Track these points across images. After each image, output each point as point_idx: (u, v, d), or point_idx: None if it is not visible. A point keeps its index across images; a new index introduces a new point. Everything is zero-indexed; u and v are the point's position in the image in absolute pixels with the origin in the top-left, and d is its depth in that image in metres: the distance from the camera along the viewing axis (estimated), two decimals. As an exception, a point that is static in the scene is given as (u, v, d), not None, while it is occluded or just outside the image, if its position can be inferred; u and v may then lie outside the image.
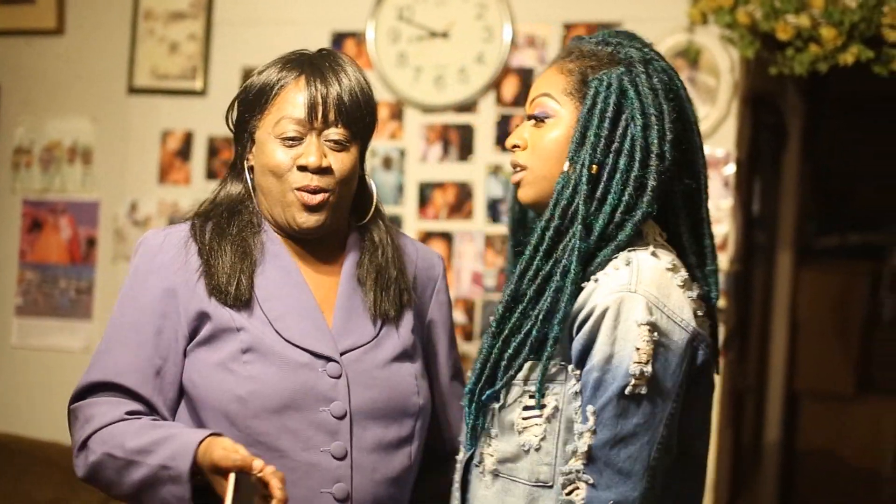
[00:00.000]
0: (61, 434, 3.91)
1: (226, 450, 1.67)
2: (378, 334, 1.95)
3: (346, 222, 2.02)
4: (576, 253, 1.72)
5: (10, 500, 3.72)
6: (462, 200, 3.68)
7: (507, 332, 1.77)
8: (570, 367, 1.74)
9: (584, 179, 1.75)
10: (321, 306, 1.93)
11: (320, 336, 1.90)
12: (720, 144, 3.46)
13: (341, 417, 1.86)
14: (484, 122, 3.67)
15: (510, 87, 3.65)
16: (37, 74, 4.14)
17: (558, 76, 1.87)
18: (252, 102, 1.95)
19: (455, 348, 2.15)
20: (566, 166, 1.79)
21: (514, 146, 1.88)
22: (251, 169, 1.97)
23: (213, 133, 3.91)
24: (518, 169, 1.88)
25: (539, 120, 1.86)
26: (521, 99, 3.63)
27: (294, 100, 1.90)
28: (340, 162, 1.92)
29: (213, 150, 3.91)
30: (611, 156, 1.77)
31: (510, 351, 1.77)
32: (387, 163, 3.75)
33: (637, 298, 1.68)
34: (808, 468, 5.48)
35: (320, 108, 1.90)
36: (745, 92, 3.54)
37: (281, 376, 1.85)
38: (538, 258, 1.76)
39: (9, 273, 4.12)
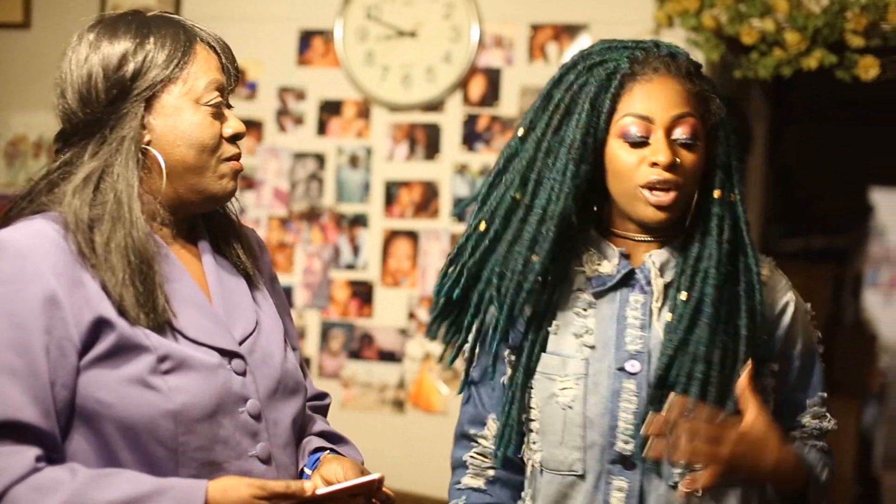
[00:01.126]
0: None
1: (261, 483, 1.57)
2: (257, 317, 1.80)
3: None
4: (754, 271, 1.89)
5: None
6: (428, 199, 3.69)
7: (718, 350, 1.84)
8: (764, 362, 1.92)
9: (742, 206, 1.91)
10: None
11: (218, 330, 1.71)
12: (685, 146, 3.48)
13: (258, 416, 1.71)
14: (451, 121, 3.68)
15: (477, 87, 3.66)
16: (2, 69, 4.12)
17: (693, 99, 1.86)
18: (153, 73, 1.69)
19: (292, 321, 1.99)
20: (717, 193, 1.88)
21: (670, 166, 1.81)
22: (143, 151, 1.69)
23: (179, 129, 3.90)
24: (669, 188, 1.82)
25: (690, 143, 1.84)
26: (487, 98, 3.64)
27: (211, 64, 1.73)
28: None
29: (179, 146, 3.90)
30: (742, 185, 1.94)
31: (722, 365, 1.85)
32: (353, 161, 3.76)
33: (795, 292, 1.98)
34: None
35: (233, 75, 1.78)
36: (710, 95, 3.56)
37: (203, 381, 1.65)
38: (721, 280, 1.86)
39: (-28, 268, 4.09)
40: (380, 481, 1.67)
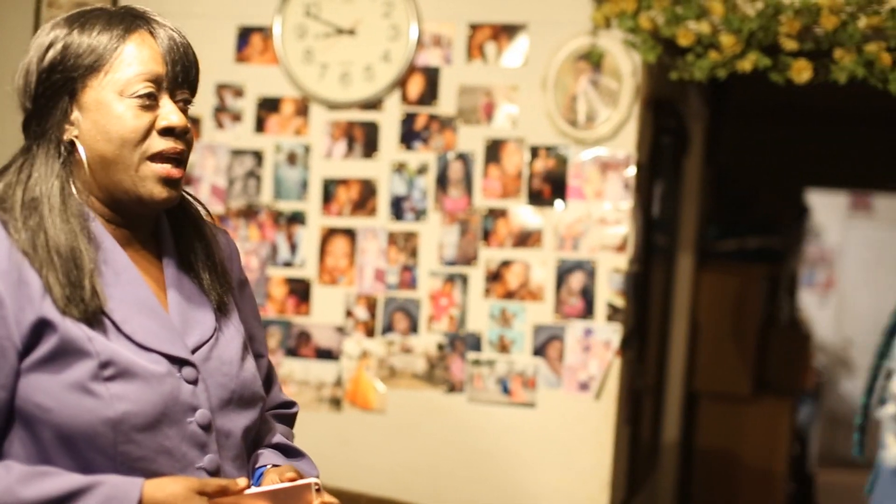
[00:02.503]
0: None
1: (189, 481, 1.55)
2: (217, 325, 1.75)
3: None
4: None
5: None
6: (366, 197, 3.68)
7: None
8: None
9: None
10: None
11: (170, 336, 1.66)
12: (621, 147, 3.51)
13: (207, 427, 1.66)
14: (389, 119, 3.68)
15: (416, 86, 3.66)
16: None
17: None
18: (74, 64, 1.64)
19: (262, 328, 1.97)
20: None
21: None
22: (70, 144, 1.65)
23: (115, 125, 3.87)
24: None
25: None
26: (426, 98, 3.65)
27: (143, 55, 1.65)
28: (191, 126, 1.72)
29: (115, 142, 3.86)
30: None
31: None
32: (291, 158, 3.75)
33: None
34: (705, 467, 5.58)
35: (178, 66, 1.68)
36: (647, 96, 3.60)
37: (148, 389, 1.59)
38: None
39: None
40: (316, 485, 1.63)
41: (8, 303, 1.56)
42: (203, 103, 3.80)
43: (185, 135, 1.68)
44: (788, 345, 6.28)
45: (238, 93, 3.79)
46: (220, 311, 1.76)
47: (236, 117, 3.78)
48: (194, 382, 1.66)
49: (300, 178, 3.74)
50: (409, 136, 3.66)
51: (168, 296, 1.71)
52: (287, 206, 3.74)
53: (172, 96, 1.68)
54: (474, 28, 3.63)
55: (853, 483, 6.16)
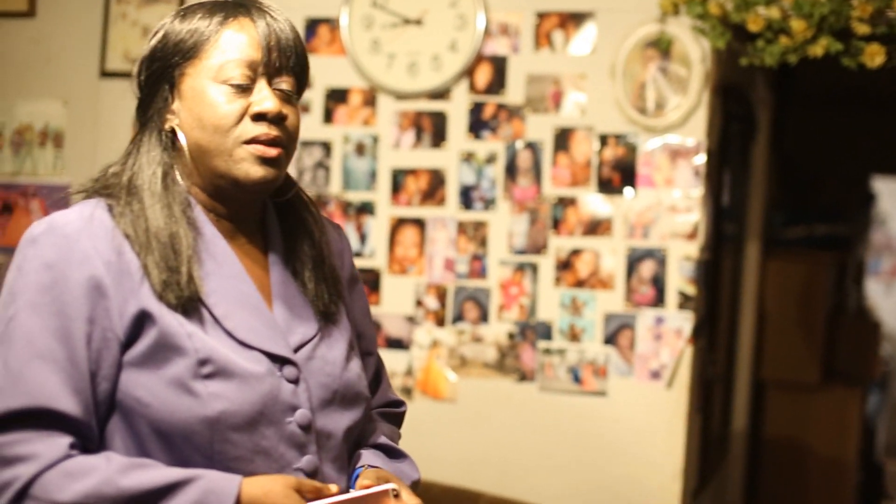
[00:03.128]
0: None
1: (287, 479, 1.54)
2: (321, 326, 1.72)
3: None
4: None
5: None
6: (434, 187, 3.69)
7: None
8: None
9: None
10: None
11: (272, 334, 1.64)
12: (691, 134, 3.49)
13: (307, 427, 1.64)
14: (457, 109, 3.68)
15: (483, 75, 3.66)
16: (7, 57, 4.12)
17: None
18: (172, 51, 1.65)
19: (372, 325, 1.95)
20: None
21: None
22: (172, 131, 1.66)
23: (185, 118, 3.91)
24: None
25: None
26: (493, 87, 3.64)
27: (240, 41, 1.64)
28: (293, 114, 1.68)
29: (185, 135, 3.90)
30: None
31: None
32: (360, 149, 3.76)
33: None
34: (773, 456, 5.54)
35: (275, 50, 1.65)
36: (716, 82, 3.57)
37: (246, 389, 1.58)
38: None
39: (-22, 257, 4.11)
40: (394, 492, 1.60)
41: (112, 294, 1.56)
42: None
43: (281, 121, 1.64)
44: (856, 333, 6.21)
45: (306, 84, 3.80)
46: (325, 315, 1.74)
47: (305, 109, 3.80)
48: (295, 382, 1.64)
49: (369, 169, 3.76)
50: (478, 125, 3.66)
51: (272, 292, 1.69)
52: (356, 196, 3.76)
53: (270, 83, 1.65)
54: (541, 16, 3.62)
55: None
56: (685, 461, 3.50)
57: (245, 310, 1.63)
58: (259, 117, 1.62)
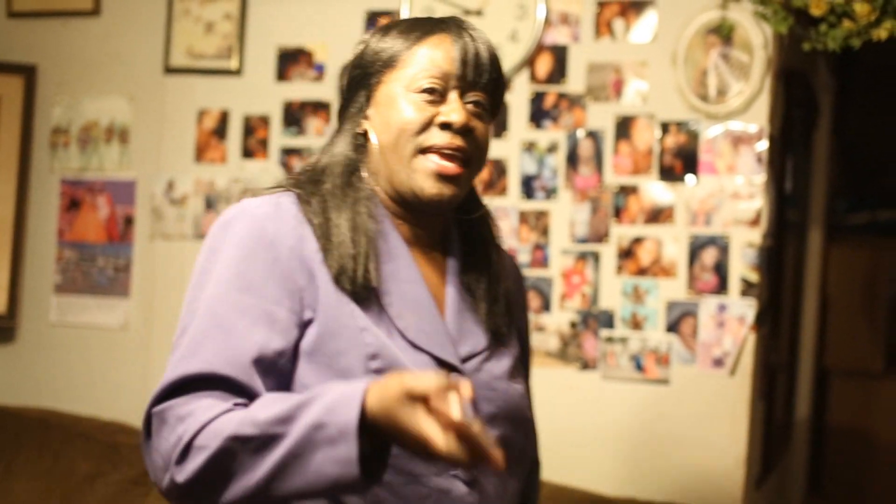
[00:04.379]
0: (99, 408, 3.99)
1: (402, 384, 1.39)
2: (491, 343, 1.74)
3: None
4: None
5: (50, 474, 3.78)
6: (496, 177, 3.70)
7: None
8: None
9: None
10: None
11: (442, 341, 1.66)
12: (753, 120, 3.47)
13: None
14: (518, 98, 3.69)
15: (544, 65, 3.67)
16: (73, 55, 4.19)
17: None
18: (371, 60, 1.74)
19: (529, 356, 1.97)
20: None
21: None
22: (364, 135, 1.75)
23: (248, 112, 3.95)
24: None
25: None
26: (554, 76, 3.65)
27: (435, 55, 1.70)
28: (481, 129, 1.72)
29: (248, 128, 3.95)
30: None
31: None
32: (421, 140, 3.78)
33: None
34: (837, 444, 5.50)
35: (470, 65, 1.71)
36: (778, 68, 3.55)
37: None
38: None
39: (48, 251, 4.18)
40: None
41: (294, 278, 1.61)
42: (333, 88, 3.85)
43: (467, 133, 1.69)
44: (922, 320, 6.14)
45: (367, 76, 3.83)
46: (495, 335, 1.77)
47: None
48: None
49: (430, 160, 3.77)
50: (539, 114, 3.67)
51: (446, 302, 1.73)
52: (417, 187, 3.78)
53: (462, 96, 1.71)
54: (602, 5, 3.62)
55: None
56: (748, 449, 3.49)
57: (418, 313, 1.67)
58: (445, 126, 1.68)
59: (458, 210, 1.80)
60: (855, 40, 3.33)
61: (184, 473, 1.49)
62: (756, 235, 3.46)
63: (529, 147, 3.67)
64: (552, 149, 3.64)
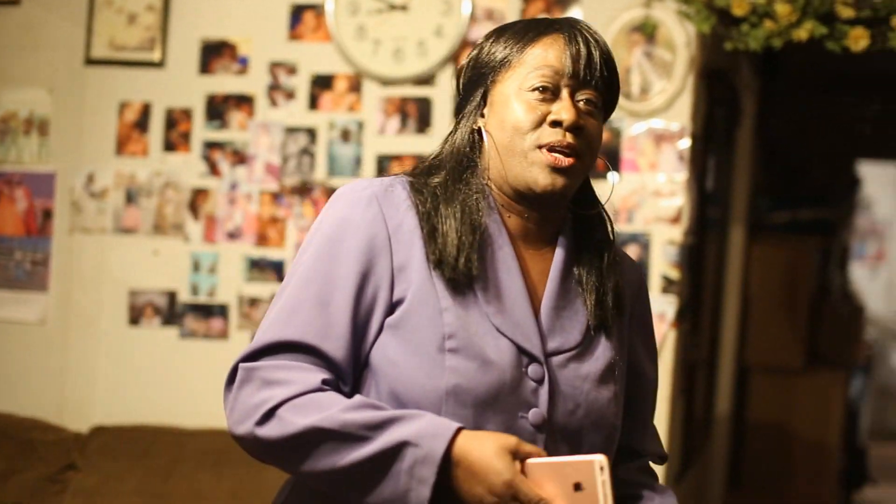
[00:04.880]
0: (15, 404, 3.92)
1: (505, 440, 1.53)
2: (584, 343, 1.75)
3: (565, 207, 1.82)
4: None
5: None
6: (420, 173, 3.69)
7: None
8: None
9: None
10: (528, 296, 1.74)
11: (528, 331, 1.70)
12: (675, 118, 3.50)
13: (539, 428, 1.67)
14: (442, 95, 3.69)
15: (468, 61, 3.66)
16: (-8, 44, 4.11)
17: None
18: (487, 61, 1.78)
19: (655, 368, 1.98)
20: None
21: None
22: (479, 132, 1.78)
23: (170, 105, 3.90)
24: None
25: None
26: (479, 72, 3.64)
27: (550, 52, 1.73)
28: (593, 128, 1.75)
29: (170, 121, 3.90)
30: None
31: None
32: (345, 135, 3.77)
33: None
34: (757, 440, 5.57)
35: (582, 63, 1.72)
36: (701, 67, 3.58)
37: (484, 371, 1.64)
38: None
39: (-37, 244, 4.10)
40: (601, 465, 1.53)
41: (391, 257, 1.68)
42: (257, 81, 3.83)
43: (577, 130, 1.71)
44: (840, 317, 6.25)
45: (291, 70, 3.81)
46: (596, 332, 1.78)
47: (290, 95, 3.80)
48: (539, 381, 1.68)
49: (354, 155, 3.76)
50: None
51: (544, 297, 1.76)
52: (341, 182, 3.76)
53: (573, 95, 1.73)
54: (527, 1, 3.63)
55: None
56: (668, 444, 3.51)
57: (507, 301, 1.71)
58: (556, 124, 1.71)
59: (575, 206, 1.83)
60: (776, 40, 3.37)
61: (263, 434, 1.60)
62: (677, 233, 3.49)
63: (454, 143, 3.66)
64: (476, 145, 3.64)
